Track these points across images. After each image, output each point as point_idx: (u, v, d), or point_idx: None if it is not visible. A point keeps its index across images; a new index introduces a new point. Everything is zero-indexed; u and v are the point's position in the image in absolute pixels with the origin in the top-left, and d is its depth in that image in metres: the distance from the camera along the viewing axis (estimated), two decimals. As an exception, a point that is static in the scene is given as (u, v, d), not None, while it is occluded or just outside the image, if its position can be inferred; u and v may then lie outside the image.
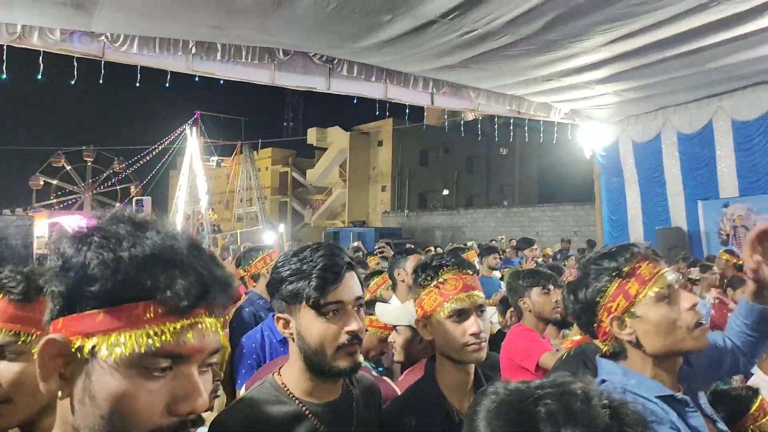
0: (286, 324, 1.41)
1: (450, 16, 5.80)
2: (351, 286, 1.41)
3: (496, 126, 11.32)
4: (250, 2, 5.56)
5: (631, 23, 5.91)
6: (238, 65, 7.91)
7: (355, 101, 9.44)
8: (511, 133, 13.31)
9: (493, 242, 13.71)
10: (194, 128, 27.91)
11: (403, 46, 6.98)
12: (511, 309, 3.53)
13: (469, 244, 12.11)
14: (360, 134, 36.07)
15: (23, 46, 6.55)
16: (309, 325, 1.36)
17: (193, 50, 7.33)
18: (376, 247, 8.29)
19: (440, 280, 1.64)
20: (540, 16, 5.71)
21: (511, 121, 12.37)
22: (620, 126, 11.15)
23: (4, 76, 7.10)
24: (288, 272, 1.40)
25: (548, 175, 37.78)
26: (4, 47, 6.56)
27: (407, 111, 10.17)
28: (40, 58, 6.94)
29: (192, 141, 28.10)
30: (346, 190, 36.06)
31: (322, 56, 8.08)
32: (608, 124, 11.22)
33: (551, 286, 2.98)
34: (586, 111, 10.65)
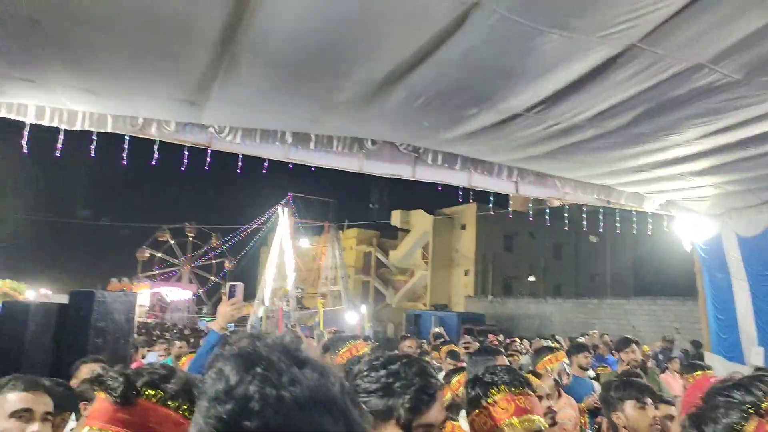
0: None
1: (534, 111, 5.87)
2: (441, 407, 1.37)
3: (584, 214, 10.98)
4: (344, 99, 5.95)
5: (728, 117, 5.66)
6: (329, 153, 8.38)
7: (439, 187, 9.61)
8: (601, 222, 12.81)
9: (585, 337, 12.88)
10: (286, 209, 29.40)
11: (488, 138, 7.10)
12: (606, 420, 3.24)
13: (558, 339, 11.46)
14: (443, 218, 36.28)
15: (142, 136, 7.37)
16: None
17: (290, 140, 7.88)
18: (462, 342, 8.04)
19: (490, 400, 1.53)
20: (627, 110, 5.63)
21: (601, 209, 11.97)
22: (722, 219, 10.40)
23: (125, 161, 7.97)
24: (376, 386, 1.36)
25: (644, 267, 35.59)
26: (126, 137, 7.41)
27: (491, 197, 10.16)
28: (155, 146, 7.75)
29: (283, 220, 29.53)
30: (429, 273, 35.87)
31: (409, 145, 8.38)
32: (708, 216, 10.52)
33: (648, 399, 2.71)
34: (683, 203, 10.10)
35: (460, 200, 10.17)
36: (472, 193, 9.71)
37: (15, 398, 2.00)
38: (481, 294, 32.28)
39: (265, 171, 8.81)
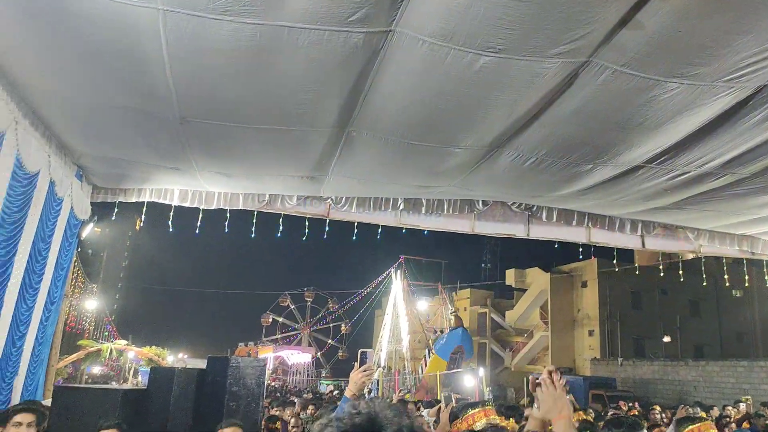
0: None
1: (657, 162, 5.57)
2: None
3: (724, 266, 9.97)
4: (453, 165, 6.06)
5: None
6: (440, 217, 8.48)
7: (556, 245, 9.27)
8: (746, 274, 11.54)
9: (739, 405, 11.34)
10: (398, 271, 29.72)
11: (606, 192, 6.81)
12: None
13: (703, 406, 10.16)
14: (561, 275, 34.54)
15: (268, 211, 7.98)
16: None
17: (401, 206, 8.11)
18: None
19: None
20: (765, 154, 5.17)
21: (744, 260, 10.80)
22: None
23: (253, 234, 8.64)
24: None
25: (804, 322, 31.03)
26: (254, 213, 8.06)
27: (615, 252, 9.60)
28: (280, 219, 8.34)
29: (396, 283, 29.79)
30: (549, 334, 33.95)
31: (521, 204, 8.26)
32: None
33: None
34: None
35: (581, 257, 9.70)
36: (593, 248, 9.25)
37: None
38: (609, 356, 29.82)
39: (378, 237, 9.11)
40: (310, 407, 8.09)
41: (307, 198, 7.92)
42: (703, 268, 11.68)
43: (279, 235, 8.69)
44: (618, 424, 3.14)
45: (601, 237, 8.64)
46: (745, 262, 10.48)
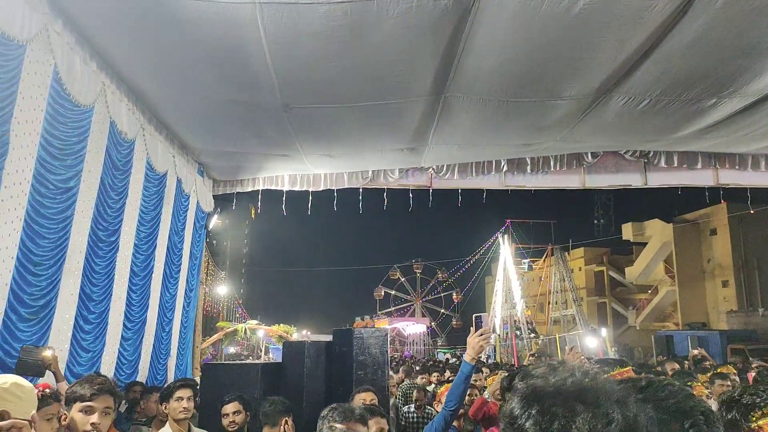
0: None
1: (795, 85, 4.95)
2: None
3: None
4: (557, 117, 5.80)
5: None
6: (547, 174, 8.17)
7: (680, 191, 8.59)
8: None
9: None
10: (506, 236, 29.17)
11: (734, 128, 6.18)
12: None
13: None
14: (686, 224, 31.99)
15: (372, 187, 8.16)
16: None
17: (505, 168, 7.92)
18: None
19: (752, 425, 1.28)
20: None
21: None
22: None
23: (360, 211, 8.90)
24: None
25: None
26: (360, 190, 8.27)
27: (748, 193, 8.73)
28: (385, 194, 8.50)
29: (504, 248, 29.30)
30: (676, 288, 31.75)
31: (635, 152, 7.73)
32: None
33: None
34: None
35: (708, 201, 8.93)
36: (722, 192, 8.47)
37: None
38: (748, 307, 27.30)
39: (483, 201, 8.99)
40: (435, 374, 8.27)
41: (409, 170, 7.98)
42: None
43: (385, 209, 8.86)
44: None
45: (731, 178, 7.88)
46: None
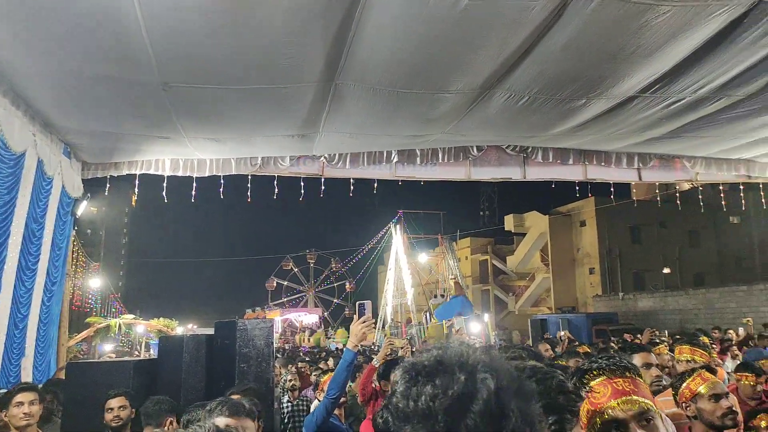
0: None
1: (651, 90, 5.47)
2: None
3: (721, 193, 9.99)
4: (445, 110, 5.96)
5: None
6: (435, 166, 8.41)
7: (553, 185, 9.24)
8: (742, 200, 11.57)
9: (741, 329, 11.57)
10: (398, 226, 29.81)
11: (601, 126, 6.73)
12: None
13: (705, 332, 10.39)
14: (560, 216, 34.75)
15: (262, 174, 7.90)
16: None
17: (396, 158, 8.03)
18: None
19: (587, 389, 1.45)
20: (762, 73, 5.07)
21: (741, 185, 10.82)
22: None
23: (249, 199, 8.58)
24: None
25: (800, 243, 31.46)
26: (248, 177, 7.97)
27: (612, 188, 9.59)
28: (275, 181, 8.27)
29: (396, 238, 29.94)
30: (550, 275, 34.43)
31: (516, 147, 8.18)
32: None
33: None
34: (844, 166, 8.84)
35: (578, 195, 9.70)
36: (590, 186, 9.23)
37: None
38: (611, 292, 30.31)
39: (374, 191, 9.07)
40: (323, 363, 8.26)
41: (301, 158, 7.83)
42: (700, 197, 11.70)
43: (276, 197, 8.63)
44: (623, 349, 3.25)
45: (598, 173, 8.61)
46: (741, 187, 10.50)
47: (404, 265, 29.51)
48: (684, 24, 4.20)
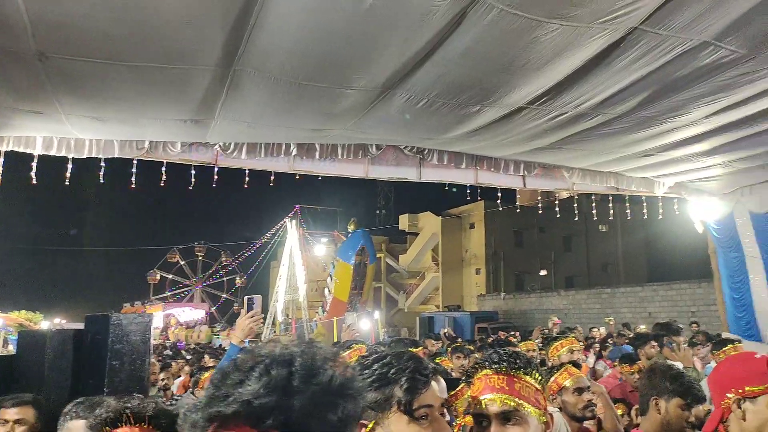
0: None
1: (538, 103, 5.86)
2: (438, 390, 1.43)
3: (593, 203, 10.93)
4: (347, 106, 5.96)
5: (735, 93, 5.63)
6: (334, 162, 8.38)
7: (446, 187, 9.58)
8: (611, 210, 12.73)
9: (601, 328, 12.76)
10: (294, 221, 29.43)
11: (492, 134, 7.09)
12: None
13: (567, 329, 11.34)
14: (451, 218, 36.25)
15: (149, 159, 7.40)
16: (401, 430, 1.35)
17: (294, 152, 7.89)
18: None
19: (471, 380, 1.56)
20: (633, 95, 5.61)
21: (610, 197, 11.92)
22: (734, 197, 10.32)
23: (133, 185, 8.01)
24: (371, 379, 1.41)
25: (657, 251, 35.39)
26: (134, 161, 7.44)
27: (499, 193, 10.14)
28: (163, 168, 7.79)
29: (292, 233, 29.54)
30: (440, 274, 35.79)
31: (413, 148, 8.38)
32: (720, 196, 10.46)
33: None
34: (693, 184, 10.03)
35: (469, 198, 10.15)
36: (479, 190, 9.69)
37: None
38: (494, 292, 32.16)
39: (271, 184, 8.84)
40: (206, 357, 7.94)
41: (193, 144, 7.44)
42: (575, 206, 12.75)
43: (163, 185, 8.14)
44: (493, 345, 3.48)
45: (487, 178, 9.07)
46: (610, 198, 11.59)
47: (298, 260, 29.19)
48: (569, 43, 4.54)
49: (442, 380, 1.48)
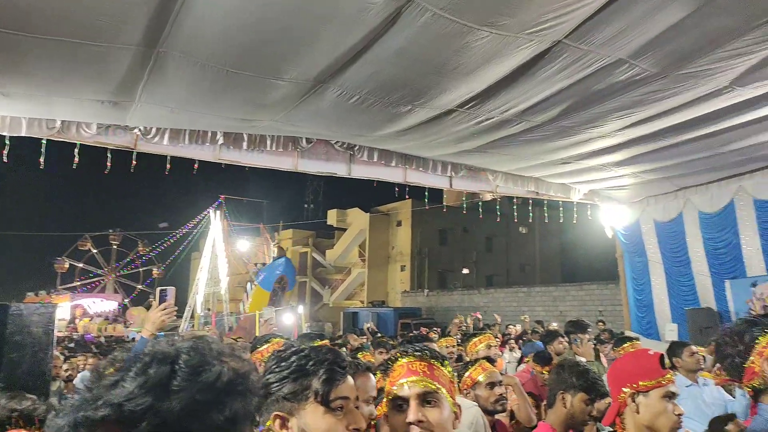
0: (284, 423, 1.39)
1: (467, 106, 6.01)
2: (354, 384, 1.46)
3: (515, 206, 11.37)
4: (277, 98, 5.84)
5: (646, 109, 6.04)
6: (263, 153, 8.20)
7: (375, 184, 9.64)
8: (530, 213, 13.28)
9: (517, 326, 13.34)
10: (218, 212, 28.53)
11: (422, 134, 7.20)
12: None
13: (489, 325, 11.80)
14: (379, 215, 36.53)
15: (61, 140, 6.92)
16: (316, 421, 1.36)
17: (221, 140, 7.64)
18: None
19: (391, 369, 1.63)
20: (554, 105, 5.89)
21: (530, 201, 12.46)
22: (641, 206, 11.13)
23: (42, 166, 7.46)
24: (289, 371, 1.42)
25: (571, 254, 37.39)
26: (43, 141, 6.93)
27: (426, 193, 10.32)
28: (76, 150, 7.30)
29: (215, 224, 28.62)
30: (366, 270, 35.99)
31: (344, 143, 8.36)
32: (628, 204, 11.21)
33: None
34: (605, 192, 10.69)
35: (397, 196, 10.27)
36: (407, 189, 9.83)
37: None
38: (418, 289, 32.76)
39: (194, 172, 8.52)
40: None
41: (111, 127, 7.02)
42: (497, 208, 13.15)
43: (75, 168, 7.63)
44: (411, 340, 3.56)
45: (416, 177, 9.21)
46: (530, 202, 12.10)
47: (221, 252, 28.34)
48: (498, 51, 4.69)
49: (372, 376, 1.51)
